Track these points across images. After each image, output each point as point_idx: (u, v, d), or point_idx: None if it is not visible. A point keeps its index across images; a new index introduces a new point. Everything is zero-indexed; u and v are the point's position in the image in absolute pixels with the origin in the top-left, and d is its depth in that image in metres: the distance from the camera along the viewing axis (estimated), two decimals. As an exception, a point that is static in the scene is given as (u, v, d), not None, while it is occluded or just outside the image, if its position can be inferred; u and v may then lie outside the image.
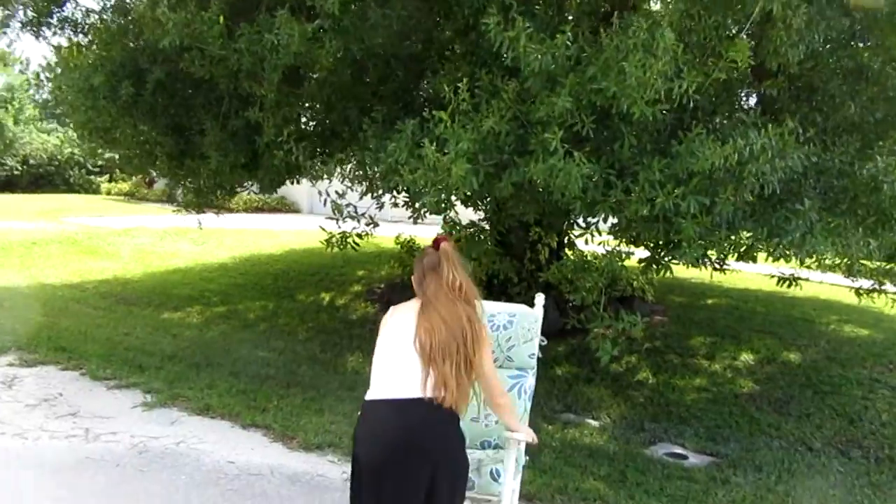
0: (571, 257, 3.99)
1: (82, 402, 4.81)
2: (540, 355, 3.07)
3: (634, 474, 4.52)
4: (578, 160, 3.36)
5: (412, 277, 2.56)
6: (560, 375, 6.88)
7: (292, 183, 5.96)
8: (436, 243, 2.59)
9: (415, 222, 4.13)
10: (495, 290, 7.67)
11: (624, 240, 3.85)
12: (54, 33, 6.03)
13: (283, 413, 4.92)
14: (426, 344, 2.28)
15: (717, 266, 4.10)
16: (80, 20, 6.04)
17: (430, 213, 4.04)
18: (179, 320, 8.93)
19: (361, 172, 4.35)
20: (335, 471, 3.99)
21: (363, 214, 5.04)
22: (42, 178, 29.31)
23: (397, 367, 2.32)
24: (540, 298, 3.07)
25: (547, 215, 4.40)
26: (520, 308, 3.11)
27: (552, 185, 3.42)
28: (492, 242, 5.86)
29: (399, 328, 2.39)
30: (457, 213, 4.56)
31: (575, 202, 3.52)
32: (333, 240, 4.80)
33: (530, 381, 2.99)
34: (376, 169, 4.17)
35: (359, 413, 2.41)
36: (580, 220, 3.95)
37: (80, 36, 5.97)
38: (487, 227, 5.65)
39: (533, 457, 4.71)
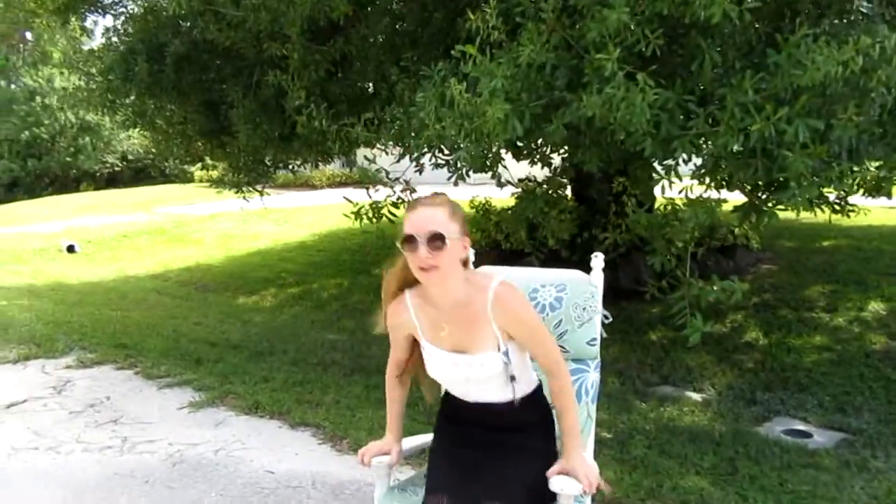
0: (643, 211, 3.21)
1: (128, 406, 4.51)
2: (604, 335, 2.39)
3: (746, 464, 3.76)
4: (643, 85, 2.60)
5: None
6: (654, 341, 6.10)
7: (323, 157, 5.44)
8: None
9: (455, 184, 3.49)
10: (578, 250, 6.94)
11: (712, 184, 3.06)
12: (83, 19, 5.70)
13: (338, 407, 4.45)
14: None
15: (838, 207, 3.23)
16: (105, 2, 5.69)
17: (473, 171, 3.39)
18: (253, 304, 8.73)
19: (395, 132, 3.74)
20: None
21: (397, 179, 4.42)
22: (141, 171, 30.50)
23: None
24: (598, 261, 2.33)
25: (614, 163, 3.64)
26: (571, 276, 2.38)
27: (613, 120, 2.68)
28: (566, 198, 5.10)
29: None
30: (506, 168, 3.87)
31: (644, 140, 2.76)
32: (363, 211, 4.23)
33: (593, 376, 2.30)
34: (410, 126, 3.54)
35: None
36: (657, 165, 3.19)
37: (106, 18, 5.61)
38: (555, 179, 4.90)
39: (622, 447, 4.05)
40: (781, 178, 2.71)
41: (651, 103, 2.59)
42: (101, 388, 4.89)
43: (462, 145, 3.00)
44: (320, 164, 7.97)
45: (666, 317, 6.75)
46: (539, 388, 2.09)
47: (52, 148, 28.16)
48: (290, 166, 6.11)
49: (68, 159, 28.43)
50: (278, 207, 16.53)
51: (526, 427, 2.05)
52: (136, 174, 30.52)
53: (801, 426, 4.57)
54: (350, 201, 4.33)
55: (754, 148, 2.68)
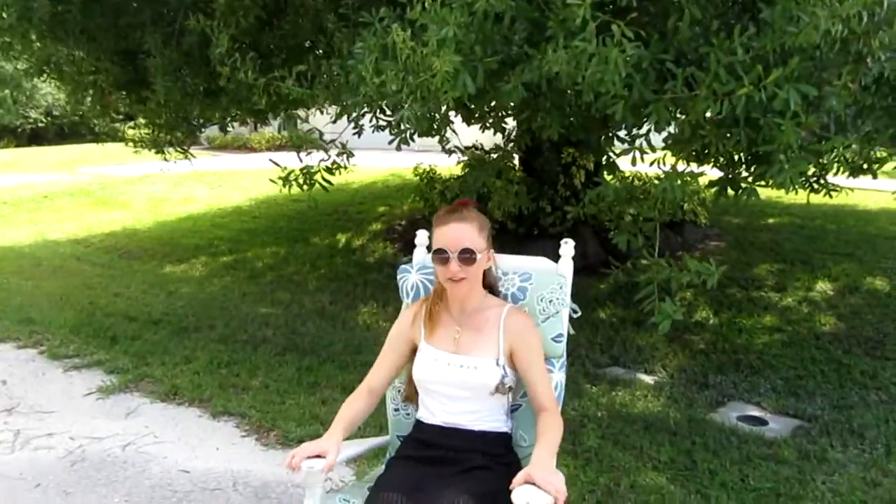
0: (614, 183, 2.86)
1: (27, 392, 4.02)
2: (572, 332, 2.07)
3: (705, 457, 3.53)
4: (619, 37, 2.23)
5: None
6: (603, 319, 5.86)
7: (255, 116, 4.94)
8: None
9: (397, 148, 3.09)
10: (525, 223, 6.65)
11: (684, 156, 2.74)
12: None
13: (266, 392, 4.05)
14: None
15: (818, 186, 2.95)
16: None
17: (418, 135, 3.00)
18: (182, 274, 8.16)
19: (332, 88, 3.29)
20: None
21: (332, 142, 3.97)
22: (68, 128, 28.83)
23: None
24: (568, 248, 2.04)
25: (576, 129, 3.30)
26: (537, 264, 2.08)
27: (582, 79, 2.32)
28: (514, 168, 4.76)
29: None
30: (455, 132, 3.47)
31: (615, 104, 2.41)
32: (293, 177, 3.78)
33: (557, 377, 1.99)
34: (347, 82, 3.11)
35: None
36: (622, 133, 2.86)
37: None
38: (505, 148, 4.52)
39: (574, 437, 3.79)
40: (765, 151, 2.42)
41: (626, 60, 2.23)
42: (-2, 370, 4.36)
43: (406, 104, 2.60)
44: (256, 125, 7.41)
45: (614, 293, 6.56)
46: (510, 438, 2.02)
47: (-33, 101, 26.35)
48: (221, 125, 5.55)
49: (-15, 113, 26.67)
50: (213, 170, 15.73)
51: (495, 456, 1.95)
52: (62, 131, 28.87)
53: (755, 412, 4.38)
54: (277, 165, 3.87)
55: (736, 116, 2.37)
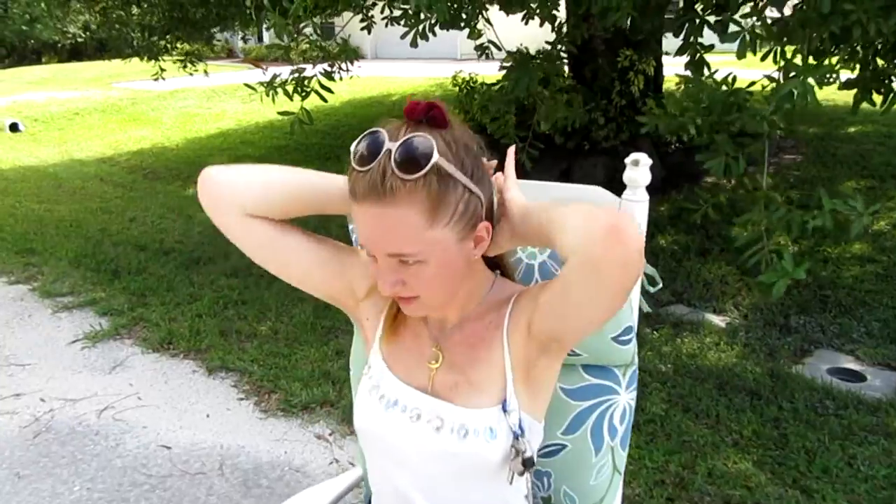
0: (710, 84, 2.08)
1: (5, 339, 3.56)
2: (647, 309, 1.38)
3: (797, 430, 2.87)
4: None
5: None
6: (664, 247, 5.13)
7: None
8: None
9: (413, 44, 2.37)
10: (575, 137, 5.85)
11: (804, 47, 1.95)
12: None
13: (274, 341, 3.50)
14: None
15: None
16: None
17: (441, 26, 2.27)
18: (205, 196, 7.65)
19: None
20: (319, 458, 2.55)
21: (323, 37, 3.19)
22: (107, 44, 28.32)
23: None
24: (639, 172, 1.16)
25: (651, 14, 2.48)
26: (590, 198, 1.20)
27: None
28: (562, 75, 3.97)
29: None
30: (491, 24, 2.70)
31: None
32: (277, 83, 3.07)
33: (624, 400, 1.26)
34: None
35: None
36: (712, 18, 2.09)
37: None
38: (552, 47, 3.71)
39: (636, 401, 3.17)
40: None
41: None
42: (-19, 310, 3.92)
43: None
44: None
45: (676, 216, 5.78)
46: None
47: (4, 15, 25.91)
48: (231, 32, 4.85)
49: (24, 28, 26.26)
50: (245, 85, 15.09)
51: None
52: (102, 46, 28.43)
53: (849, 363, 3.67)
54: (251, 87, 3.18)
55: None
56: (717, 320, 4.21)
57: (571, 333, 0.97)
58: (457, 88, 7.43)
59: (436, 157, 0.86)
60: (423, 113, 0.89)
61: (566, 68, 6.11)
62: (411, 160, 0.85)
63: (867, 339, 3.88)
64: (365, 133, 0.91)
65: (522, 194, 1.01)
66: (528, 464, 0.97)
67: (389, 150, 0.86)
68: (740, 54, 1.97)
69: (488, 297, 1.06)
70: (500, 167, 1.05)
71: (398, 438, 1.00)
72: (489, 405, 0.98)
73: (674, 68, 7.01)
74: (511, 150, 1.08)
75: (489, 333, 1.02)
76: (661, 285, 1.35)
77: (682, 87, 2.26)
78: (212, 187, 1.07)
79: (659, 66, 6.12)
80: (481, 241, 0.97)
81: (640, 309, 1.31)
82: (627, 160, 1.21)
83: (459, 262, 0.96)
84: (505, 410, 0.97)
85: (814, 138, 7.82)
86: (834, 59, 2.02)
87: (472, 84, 7.23)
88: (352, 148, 0.91)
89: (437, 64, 15.54)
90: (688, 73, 2.45)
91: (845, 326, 4.02)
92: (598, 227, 0.82)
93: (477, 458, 0.96)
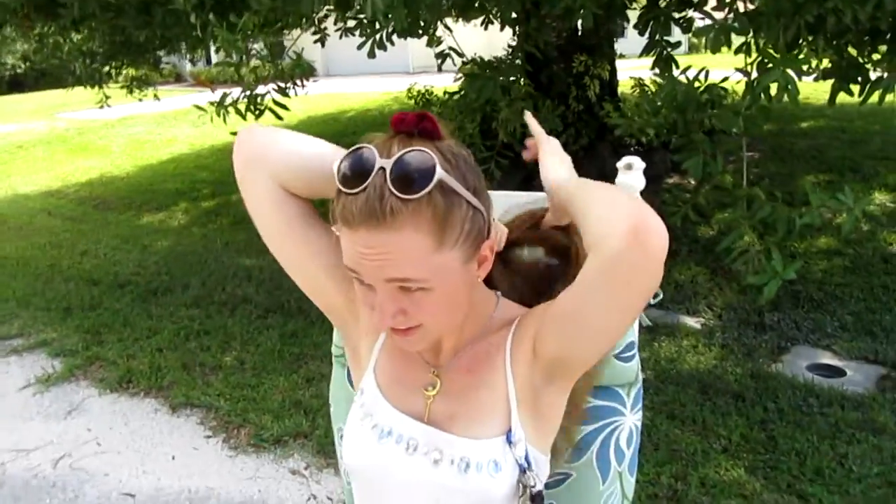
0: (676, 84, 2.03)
1: (-49, 389, 3.32)
2: (647, 323, 1.28)
3: (785, 430, 2.82)
4: None
5: None
6: (634, 252, 5.11)
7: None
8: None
9: (370, 55, 2.27)
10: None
11: (774, 41, 1.91)
12: None
13: (241, 373, 3.34)
14: None
15: None
16: None
17: (398, 35, 2.18)
18: (159, 224, 7.40)
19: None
20: (295, 494, 2.40)
21: (273, 54, 3.07)
22: (48, 73, 27.60)
23: None
24: (632, 176, 1.13)
25: (616, 9, 2.42)
26: None
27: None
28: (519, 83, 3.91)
29: None
30: (450, 31, 2.62)
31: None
32: (228, 102, 2.94)
33: (630, 422, 1.15)
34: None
35: None
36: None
37: None
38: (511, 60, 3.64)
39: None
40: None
41: None
42: (-78, 360, 3.67)
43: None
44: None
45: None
46: None
47: (-63, 48, 25.10)
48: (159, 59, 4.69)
49: (-41, 61, 25.48)
50: (195, 109, 14.78)
51: None
52: (42, 77, 27.73)
53: (828, 359, 3.66)
54: (201, 108, 3.05)
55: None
56: (692, 322, 4.17)
57: (578, 350, 0.87)
58: (412, 101, 7.36)
59: (440, 173, 0.76)
60: (414, 124, 0.79)
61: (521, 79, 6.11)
62: (411, 177, 0.76)
63: (842, 333, 3.88)
64: (349, 151, 0.80)
65: (560, 165, 0.95)
66: (536, 500, 0.88)
67: (383, 168, 0.76)
68: (714, 48, 1.92)
69: (491, 319, 0.96)
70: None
71: (392, 473, 0.90)
72: (492, 435, 0.88)
73: (629, 72, 7.01)
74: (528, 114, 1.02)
75: (490, 356, 0.92)
76: (661, 296, 1.26)
77: (652, 87, 2.20)
78: (250, 145, 0.97)
79: (613, 70, 6.14)
80: (485, 262, 0.88)
81: (640, 323, 1.21)
82: (619, 164, 1.13)
83: (464, 286, 0.86)
84: (510, 441, 0.88)
85: (769, 135, 7.92)
86: (804, 52, 1.99)
87: (427, 96, 7.17)
88: (333, 168, 0.79)
89: (390, 78, 15.49)
90: (652, 73, 2.40)
91: (819, 321, 4.02)
92: (621, 221, 0.74)
93: (480, 495, 0.86)
